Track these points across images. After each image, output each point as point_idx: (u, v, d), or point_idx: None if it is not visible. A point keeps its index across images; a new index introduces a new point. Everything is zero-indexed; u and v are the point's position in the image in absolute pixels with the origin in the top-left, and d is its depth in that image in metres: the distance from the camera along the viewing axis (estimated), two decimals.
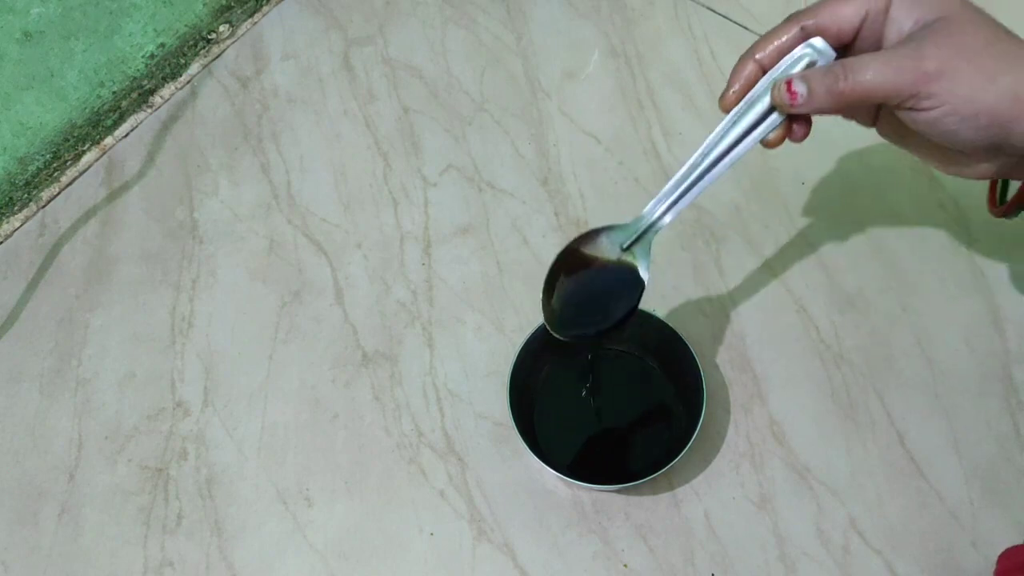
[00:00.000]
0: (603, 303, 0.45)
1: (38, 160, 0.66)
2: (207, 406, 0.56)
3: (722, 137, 0.41)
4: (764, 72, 0.40)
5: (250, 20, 0.74)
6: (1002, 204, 0.44)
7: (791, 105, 0.39)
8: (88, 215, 0.65)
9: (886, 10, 0.39)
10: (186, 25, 0.71)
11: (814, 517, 0.50)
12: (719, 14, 0.69)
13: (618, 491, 0.51)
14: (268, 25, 0.74)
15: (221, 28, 0.73)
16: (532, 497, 0.51)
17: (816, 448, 0.51)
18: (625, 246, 0.43)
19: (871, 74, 0.37)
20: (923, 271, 0.56)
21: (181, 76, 0.71)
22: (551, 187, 0.63)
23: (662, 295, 0.57)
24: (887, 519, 0.49)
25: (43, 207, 0.66)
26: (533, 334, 0.51)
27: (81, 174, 0.67)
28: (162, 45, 0.70)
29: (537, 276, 0.59)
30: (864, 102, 0.38)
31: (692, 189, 0.42)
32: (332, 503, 0.52)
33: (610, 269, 0.44)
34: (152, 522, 0.53)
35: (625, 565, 0.49)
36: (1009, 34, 0.38)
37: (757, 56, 0.41)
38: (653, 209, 0.42)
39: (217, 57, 0.72)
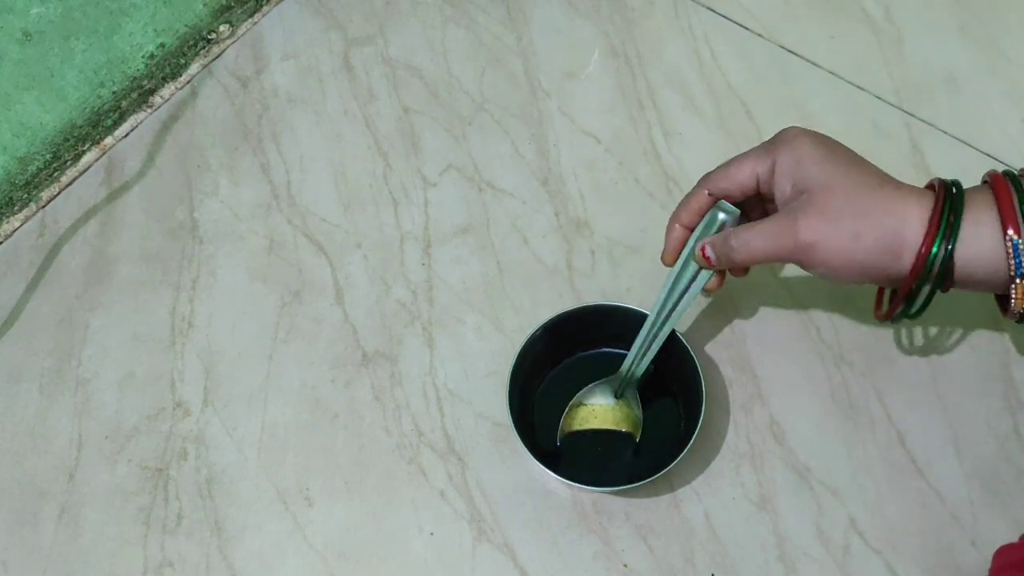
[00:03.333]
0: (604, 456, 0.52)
1: (38, 160, 0.66)
2: (207, 406, 0.56)
3: (670, 292, 0.49)
4: (690, 231, 0.48)
5: (250, 20, 0.74)
6: (888, 309, 0.48)
7: (709, 266, 0.47)
8: (88, 215, 0.65)
9: (771, 175, 0.45)
10: (186, 25, 0.71)
11: (814, 517, 0.50)
12: (719, 14, 0.69)
13: (618, 492, 0.51)
14: (268, 25, 0.74)
15: (221, 28, 0.73)
16: (532, 497, 0.51)
17: (816, 448, 0.51)
18: (618, 395, 0.52)
19: (755, 246, 0.45)
20: None
21: (181, 76, 0.71)
22: (551, 187, 0.63)
23: None
24: (887, 519, 0.49)
25: (43, 207, 0.66)
26: (533, 334, 0.51)
27: (81, 174, 0.67)
28: (162, 45, 0.70)
29: (537, 276, 0.59)
30: (759, 264, 0.46)
31: (655, 341, 0.50)
32: (332, 503, 0.52)
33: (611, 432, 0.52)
34: (152, 522, 0.53)
35: (625, 565, 0.49)
36: (874, 181, 0.44)
37: (681, 221, 0.49)
38: (629, 364, 0.51)
39: (217, 57, 0.72)
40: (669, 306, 0.49)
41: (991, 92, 0.63)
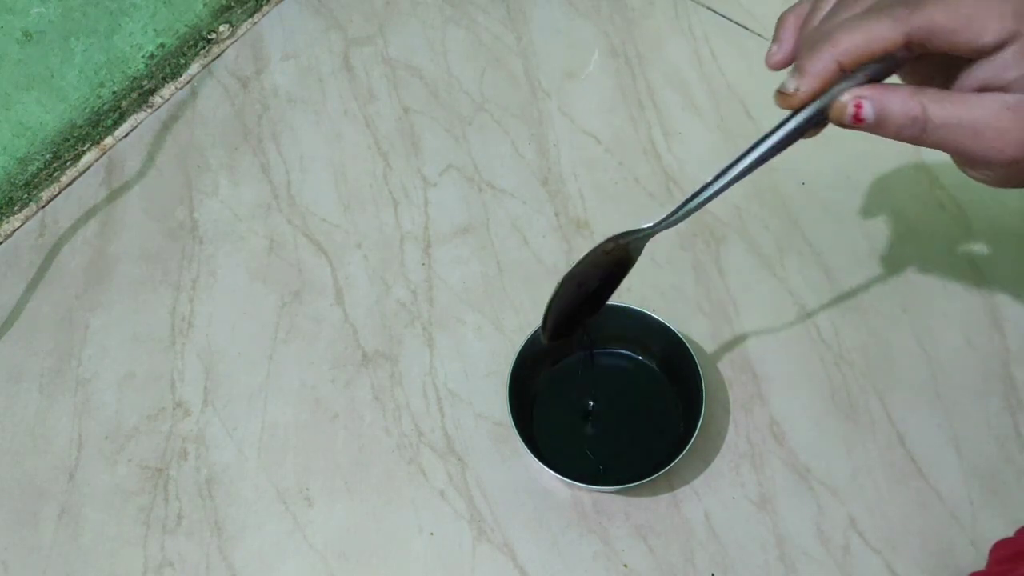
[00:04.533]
0: (597, 295, 0.45)
1: (38, 160, 0.66)
2: (207, 406, 0.56)
3: (776, 130, 0.35)
4: (843, 74, 0.33)
5: (250, 20, 0.74)
6: None
7: (851, 124, 0.33)
8: (88, 215, 0.65)
9: (930, 35, 0.31)
10: (186, 25, 0.71)
11: (814, 517, 0.50)
12: (719, 14, 0.69)
13: (618, 492, 0.51)
14: (268, 25, 0.74)
15: (221, 28, 0.73)
16: (532, 497, 0.51)
17: (816, 448, 0.51)
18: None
19: (967, 125, 0.31)
20: (923, 270, 0.56)
21: (181, 76, 0.71)
22: (551, 187, 0.63)
23: (662, 295, 0.57)
24: (887, 519, 0.49)
25: (43, 207, 0.66)
26: (533, 334, 0.51)
27: (81, 174, 0.67)
28: (162, 45, 0.70)
29: (537, 276, 0.59)
30: (936, 148, 0.32)
31: (742, 163, 0.37)
32: (332, 503, 0.52)
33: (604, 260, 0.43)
34: (152, 522, 0.53)
35: (625, 565, 0.49)
36: None
37: (840, 57, 0.32)
38: (711, 181, 0.38)
39: (217, 57, 0.72)
40: (768, 143, 0.35)
41: None
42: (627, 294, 0.58)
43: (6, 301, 0.62)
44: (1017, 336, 0.54)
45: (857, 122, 0.32)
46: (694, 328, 0.56)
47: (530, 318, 0.57)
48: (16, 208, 0.66)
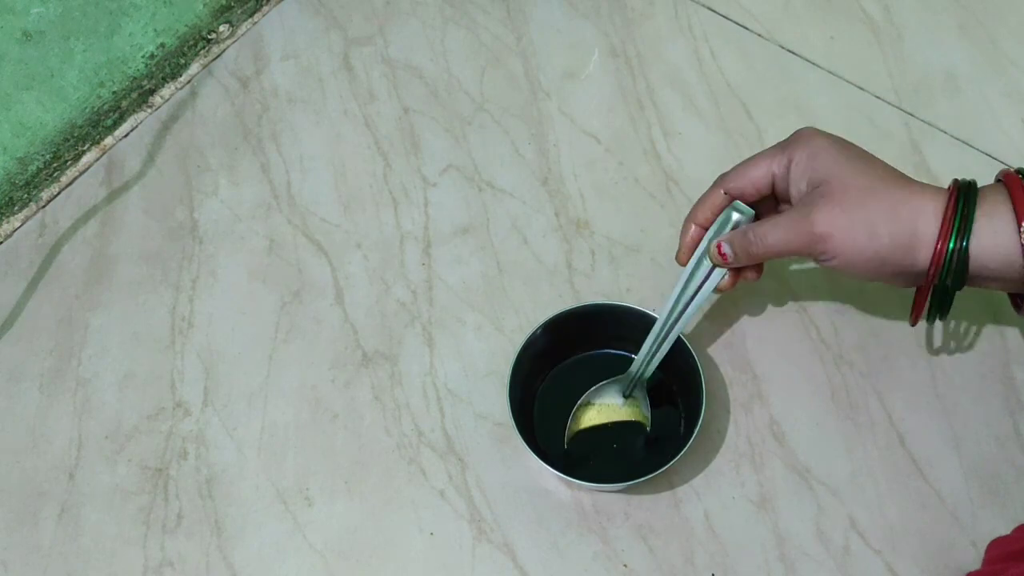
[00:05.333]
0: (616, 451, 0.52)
1: (38, 160, 0.66)
2: (207, 406, 0.56)
3: (682, 292, 0.49)
4: (704, 231, 0.49)
5: (250, 20, 0.74)
6: (913, 310, 0.47)
7: (724, 263, 0.48)
8: (88, 215, 0.65)
9: (787, 173, 0.46)
10: (186, 25, 0.71)
11: (814, 517, 0.50)
12: (719, 14, 0.69)
13: (618, 491, 0.51)
14: (268, 25, 0.74)
15: (221, 28, 0.73)
16: (532, 497, 0.51)
17: (816, 448, 0.51)
18: (626, 395, 0.52)
19: (773, 239, 0.45)
20: None
21: (181, 76, 0.71)
22: (551, 187, 0.63)
23: (662, 295, 0.57)
24: (887, 519, 0.49)
25: (43, 207, 0.66)
26: (533, 334, 0.51)
27: (81, 174, 0.67)
28: (162, 45, 0.70)
29: (537, 276, 0.59)
30: (776, 258, 0.47)
31: (665, 342, 0.49)
32: (332, 503, 0.52)
33: (619, 424, 0.53)
34: (152, 522, 0.53)
35: (625, 565, 0.49)
36: (888, 177, 0.44)
37: (696, 220, 0.49)
38: (639, 365, 0.50)
39: (217, 57, 0.72)
40: (680, 306, 0.49)
41: (991, 92, 0.63)
42: (627, 294, 0.58)
43: (6, 301, 0.61)
44: (1017, 337, 0.54)
45: (723, 258, 0.48)
46: (694, 328, 0.56)
47: (530, 318, 0.57)
48: (16, 208, 0.66)
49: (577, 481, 0.49)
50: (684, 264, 0.50)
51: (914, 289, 0.47)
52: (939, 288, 0.44)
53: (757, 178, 0.47)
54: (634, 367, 0.51)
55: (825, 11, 0.68)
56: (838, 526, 0.49)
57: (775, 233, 0.45)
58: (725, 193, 0.48)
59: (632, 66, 0.68)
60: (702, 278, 0.49)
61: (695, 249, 0.49)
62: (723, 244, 0.47)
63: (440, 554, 0.50)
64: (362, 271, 0.60)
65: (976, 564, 0.47)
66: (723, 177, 0.49)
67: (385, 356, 0.57)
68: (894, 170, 0.45)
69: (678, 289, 0.49)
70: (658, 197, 0.61)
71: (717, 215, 0.48)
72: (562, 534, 0.50)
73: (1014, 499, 0.49)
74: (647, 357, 0.50)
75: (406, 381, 0.56)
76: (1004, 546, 0.44)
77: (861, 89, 0.64)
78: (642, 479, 0.47)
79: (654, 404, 0.52)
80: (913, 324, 0.49)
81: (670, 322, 0.49)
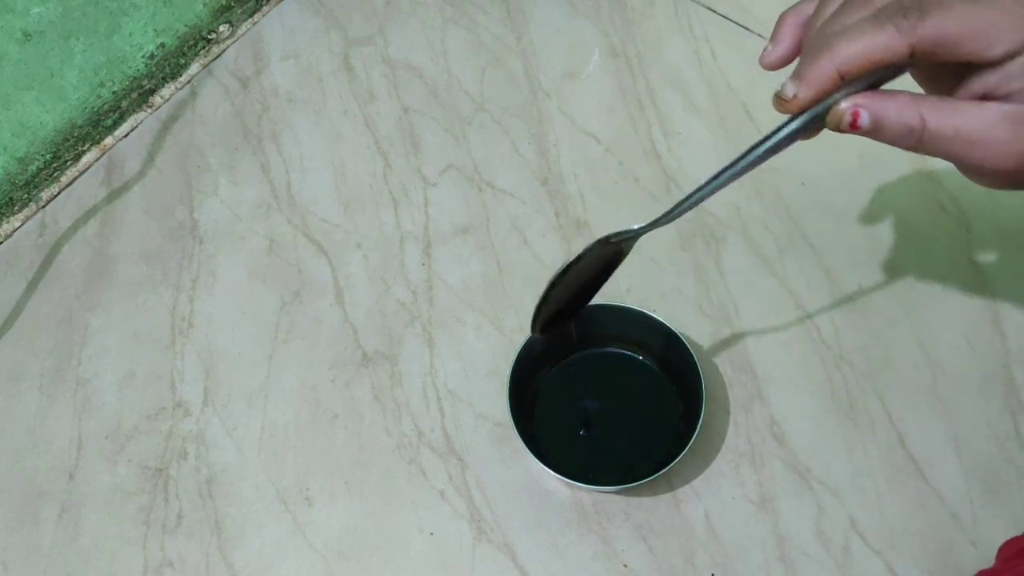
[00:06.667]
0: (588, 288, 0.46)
1: (38, 160, 0.66)
2: (207, 406, 0.56)
3: (773, 134, 0.34)
4: (843, 82, 0.32)
5: (250, 20, 0.74)
6: None
7: (851, 130, 0.33)
8: (88, 215, 0.65)
9: (934, 47, 0.31)
10: (186, 25, 0.71)
11: (814, 517, 0.50)
12: (719, 14, 0.69)
13: (618, 491, 0.51)
14: (268, 25, 0.74)
15: (221, 28, 0.73)
16: (532, 497, 0.51)
17: (816, 448, 0.51)
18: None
19: (965, 136, 0.31)
20: (923, 271, 0.56)
21: (181, 76, 0.71)
22: (551, 187, 0.63)
23: (662, 295, 0.57)
24: (887, 519, 0.49)
25: (43, 207, 0.66)
26: (533, 334, 0.51)
27: (81, 174, 0.67)
28: (162, 45, 0.70)
29: (537, 276, 0.59)
30: (931, 155, 0.32)
31: (737, 166, 0.36)
32: (332, 503, 0.52)
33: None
34: (152, 522, 0.53)
35: (625, 565, 0.49)
36: None
37: (840, 67, 0.31)
38: (665, 215, 0.42)
39: (217, 57, 0.72)
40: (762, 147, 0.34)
41: None
42: (627, 294, 0.58)
43: (6, 301, 0.62)
44: (1017, 337, 0.54)
45: (854, 129, 0.32)
46: (694, 328, 0.56)
47: (530, 318, 0.57)
48: (16, 208, 0.66)
49: (577, 483, 0.49)
50: (797, 110, 0.33)
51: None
52: None
53: (999, 34, 0.30)
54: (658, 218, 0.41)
55: None
56: (838, 526, 0.49)
57: (972, 134, 0.31)
58: (912, 49, 0.31)
59: (632, 66, 0.68)
60: (796, 126, 0.34)
61: (824, 99, 0.32)
62: (863, 111, 0.32)
63: (440, 554, 0.50)
64: (362, 271, 0.60)
65: (976, 564, 0.47)
66: (915, 19, 0.30)
67: (385, 356, 0.57)
68: None
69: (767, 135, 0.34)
70: (658, 197, 0.61)
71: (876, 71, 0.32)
72: (562, 534, 0.50)
73: (1014, 499, 0.49)
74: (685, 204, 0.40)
75: (406, 381, 0.56)
76: (1016, 544, 0.44)
77: None
78: (642, 481, 0.47)
79: (653, 404, 0.52)
80: None
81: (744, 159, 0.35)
